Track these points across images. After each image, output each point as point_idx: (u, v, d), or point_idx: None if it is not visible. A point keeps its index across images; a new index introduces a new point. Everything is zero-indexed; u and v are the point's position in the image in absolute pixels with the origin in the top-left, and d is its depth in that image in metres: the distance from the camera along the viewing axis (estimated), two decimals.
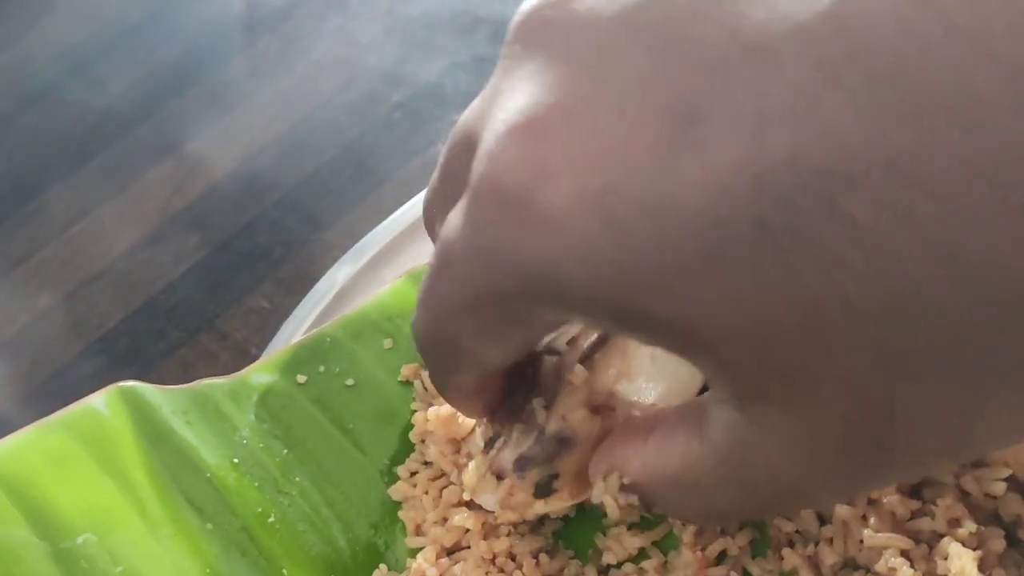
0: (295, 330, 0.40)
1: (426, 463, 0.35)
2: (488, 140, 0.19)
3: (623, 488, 0.24)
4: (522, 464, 0.26)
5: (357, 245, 0.43)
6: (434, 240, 0.25)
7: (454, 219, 0.20)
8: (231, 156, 0.59)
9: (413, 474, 0.35)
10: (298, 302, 0.42)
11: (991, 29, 0.14)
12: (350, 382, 0.37)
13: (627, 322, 0.18)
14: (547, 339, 0.27)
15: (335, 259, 0.43)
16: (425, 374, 0.37)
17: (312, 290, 0.42)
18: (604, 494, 0.25)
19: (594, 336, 0.27)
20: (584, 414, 0.25)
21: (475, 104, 0.22)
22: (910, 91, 0.14)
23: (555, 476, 0.26)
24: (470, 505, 0.33)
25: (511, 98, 0.18)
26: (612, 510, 0.25)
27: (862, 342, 0.16)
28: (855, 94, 0.14)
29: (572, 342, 0.27)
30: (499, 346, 0.22)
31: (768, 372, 0.17)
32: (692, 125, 0.15)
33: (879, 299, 0.15)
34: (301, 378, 0.37)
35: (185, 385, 0.36)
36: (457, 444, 0.34)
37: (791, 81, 0.15)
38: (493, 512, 0.29)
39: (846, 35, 0.14)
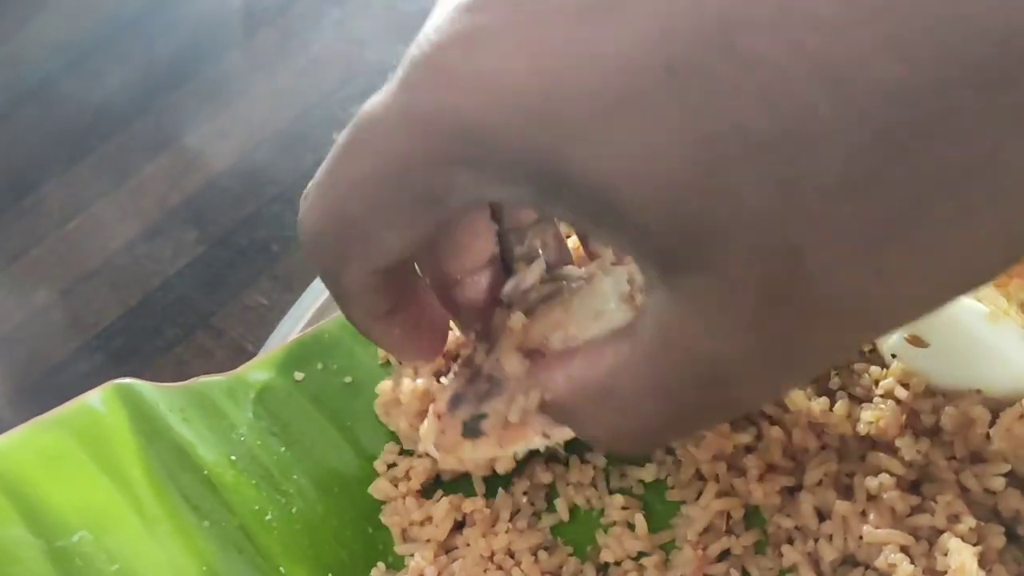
0: (293, 327, 0.40)
1: (401, 452, 0.35)
2: (426, 26, 0.19)
3: (541, 407, 0.24)
4: (454, 402, 0.27)
5: None
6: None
7: (378, 97, 0.20)
8: (229, 151, 0.58)
9: (391, 466, 0.35)
10: (296, 299, 0.41)
11: None
12: (348, 379, 0.36)
13: (545, 185, 0.18)
14: (506, 288, 0.27)
15: None
16: None
17: (309, 287, 0.41)
18: (521, 410, 0.24)
19: (545, 290, 0.27)
20: (517, 358, 0.26)
21: None
22: None
23: (483, 416, 0.27)
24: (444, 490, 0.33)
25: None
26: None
27: (763, 177, 0.16)
28: None
29: (523, 295, 0.27)
30: (401, 230, 0.21)
31: (680, 230, 0.17)
32: None
33: (776, 128, 0.16)
34: (299, 375, 0.37)
35: (182, 382, 0.36)
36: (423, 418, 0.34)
37: None
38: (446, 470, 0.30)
39: None
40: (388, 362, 0.37)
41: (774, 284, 0.17)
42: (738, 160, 0.16)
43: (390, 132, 0.19)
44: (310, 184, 0.22)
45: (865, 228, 0.16)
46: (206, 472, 0.34)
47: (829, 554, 0.29)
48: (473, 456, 0.27)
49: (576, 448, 0.34)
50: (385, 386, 0.36)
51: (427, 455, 0.35)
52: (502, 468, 0.33)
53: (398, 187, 0.20)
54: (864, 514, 0.29)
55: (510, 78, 0.18)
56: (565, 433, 0.25)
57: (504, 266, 0.27)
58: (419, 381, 0.35)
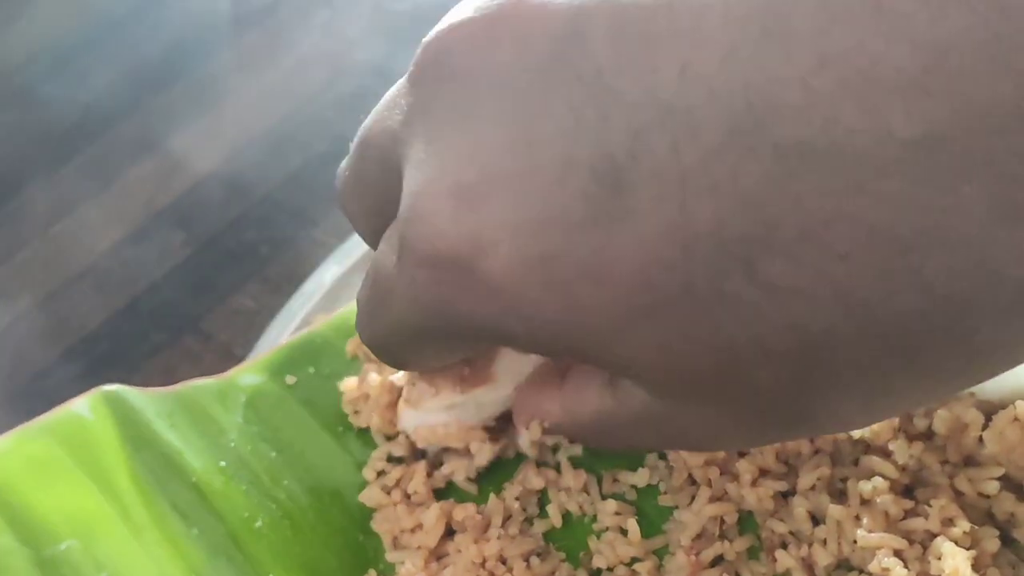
0: (282, 330, 0.40)
1: (390, 459, 0.35)
2: (419, 191, 0.20)
3: (545, 432, 0.28)
4: None
5: (345, 244, 0.42)
6: (354, 224, 0.28)
7: (388, 256, 0.22)
8: (217, 152, 0.58)
9: (380, 474, 0.35)
10: (285, 302, 0.41)
11: (887, 102, 0.15)
12: (343, 385, 0.36)
13: (567, 357, 0.21)
14: None
15: (323, 257, 0.42)
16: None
17: (299, 290, 0.41)
18: (529, 441, 0.29)
19: None
20: None
21: (386, 111, 0.23)
22: (815, 161, 0.15)
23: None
24: (438, 497, 0.33)
25: (436, 151, 0.19)
26: (530, 451, 0.30)
27: (779, 375, 0.18)
28: (767, 166, 0.15)
29: None
30: (443, 358, 0.26)
31: (689, 393, 0.20)
32: (619, 194, 0.17)
33: (794, 345, 0.17)
34: (290, 379, 0.37)
35: (170, 387, 0.36)
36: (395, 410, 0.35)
37: (709, 147, 0.16)
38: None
39: (754, 102, 0.15)
40: (357, 356, 0.37)
41: (775, 418, 0.21)
42: (754, 363, 0.18)
43: (400, 308, 0.21)
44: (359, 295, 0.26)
45: (862, 389, 0.19)
46: (195, 479, 0.33)
47: (823, 559, 0.29)
48: (434, 405, 0.28)
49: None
50: (350, 383, 0.36)
51: (411, 461, 0.35)
52: (483, 458, 0.33)
53: (428, 338, 0.23)
54: (858, 518, 0.29)
55: (521, 290, 0.18)
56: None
57: None
58: (385, 375, 0.35)
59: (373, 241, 0.27)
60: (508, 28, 0.19)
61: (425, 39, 0.22)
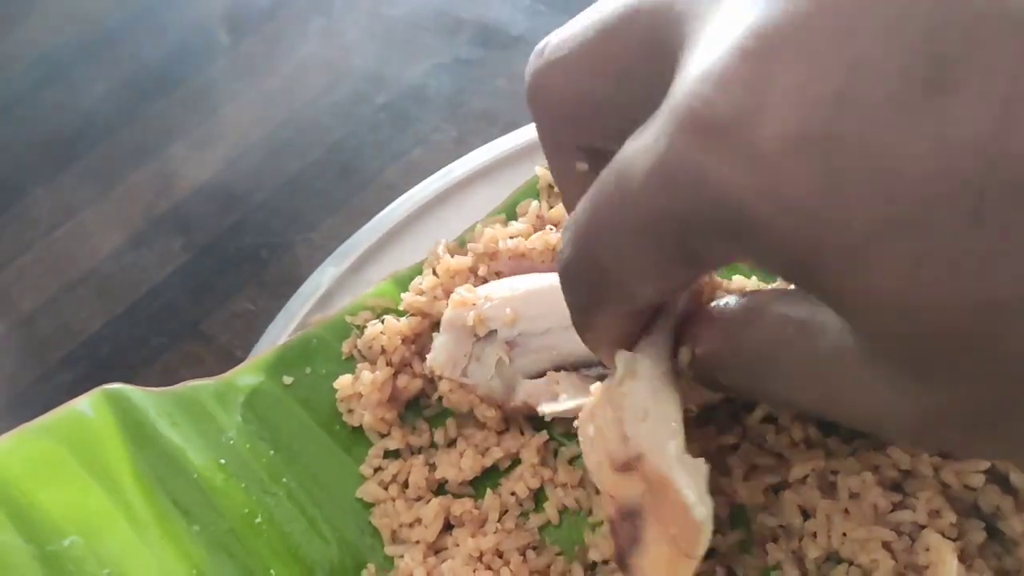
0: (280, 332, 0.40)
1: (386, 455, 0.35)
2: (705, 57, 0.17)
3: (696, 358, 0.25)
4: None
5: (342, 247, 0.43)
6: (538, 114, 0.24)
7: (643, 139, 0.18)
8: (215, 158, 0.58)
9: (377, 470, 0.35)
10: (283, 304, 0.41)
11: None
12: (337, 384, 0.37)
13: (799, 275, 0.18)
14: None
15: (320, 261, 0.43)
16: (362, 342, 0.37)
17: (297, 292, 0.42)
18: (682, 363, 0.25)
19: None
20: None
21: None
22: None
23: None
24: (437, 492, 0.34)
25: (733, 8, 0.17)
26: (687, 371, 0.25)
27: None
28: None
29: None
30: (655, 283, 0.21)
31: (917, 349, 0.17)
32: (937, 92, 0.15)
33: None
34: (288, 379, 0.37)
35: (171, 387, 0.36)
36: (390, 406, 0.35)
37: None
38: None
39: None
40: (352, 356, 0.38)
41: (989, 415, 0.17)
42: (1016, 330, 0.15)
43: (653, 190, 0.18)
44: (569, 222, 0.21)
45: None
46: (196, 476, 0.34)
47: (813, 551, 0.29)
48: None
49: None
50: (344, 380, 0.36)
51: (407, 456, 0.35)
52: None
53: (656, 246, 0.19)
54: (847, 512, 0.29)
55: (793, 169, 0.16)
56: None
57: None
58: (377, 373, 0.35)
59: (563, 135, 0.24)
60: None
61: None
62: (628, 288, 0.21)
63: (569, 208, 0.25)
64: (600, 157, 0.22)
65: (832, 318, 0.19)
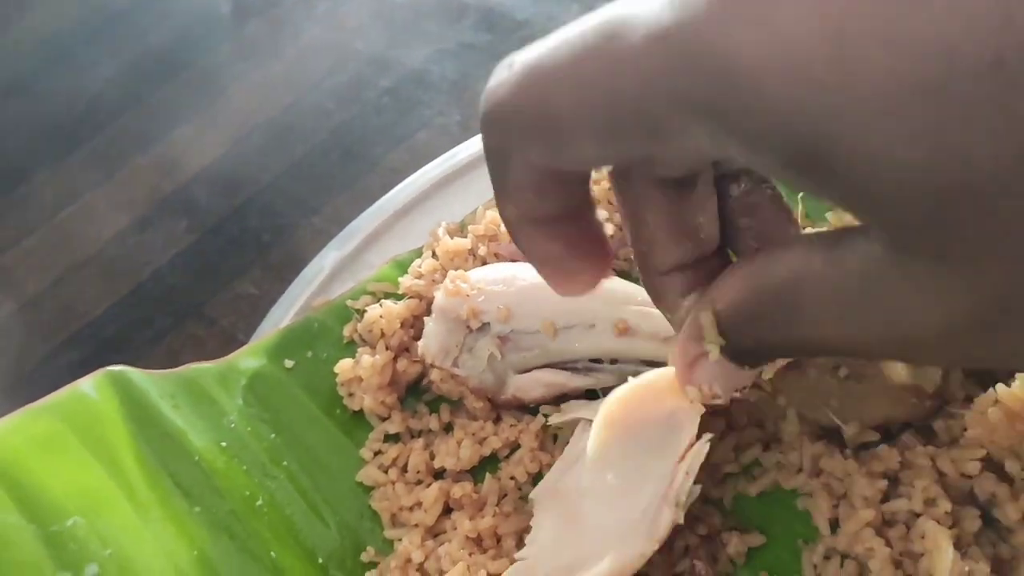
0: (283, 315, 0.40)
1: (387, 438, 0.36)
2: None
3: (717, 315, 0.22)
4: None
5: (344, 230, 0.43)
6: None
7: (647, 3, 0.17)
8: (220, 141, 0.59)
9: (377, 454, 0.35)
10: (286, 287, 0.42)
11: None
12: (337, 368, 0.37)
13: (799, 163, 0.16)
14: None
15: (323, 244, 0.43)
16: (362, 327, 0.37)
17: (299, 276, 0.42)
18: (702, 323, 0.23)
19: None
20: None
21: None
22: None
23: None
24: (436, 476, 0.34)
25: None
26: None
27: None
28: None
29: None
30: (603, 146, 0.19)
31: (942, 229, 0.16)
32: None
33: None
34: (289, 363, 0.37)
35: (173, 369, 0.36)
36: (390, 390, 0.35)
37: None
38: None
39: None
40: (353, 340, 0.38)
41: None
42: None
43: (647, 50, 0.17)
44: (523, 55, 0.19)
45: None
46: (197, 458, 0.34)
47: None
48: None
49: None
50: (345, 364, 0.36)
51: (407, 439, 0.35)
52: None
53: (629, 109, 0.18)
54: (846, 496, 0.30)
55: (803, 36, 0.15)
56: None
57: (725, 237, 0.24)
58: (377, 357, 0.35)
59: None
60: None
61: None
62: (569, 141, 0.19)
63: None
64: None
65: (855, 239, 0.19)
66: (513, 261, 0.37)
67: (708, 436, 0.27)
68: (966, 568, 0.27)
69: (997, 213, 0.15)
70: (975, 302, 0.17)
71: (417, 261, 0.38)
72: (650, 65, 0.17)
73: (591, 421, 0.30)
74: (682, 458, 0.27)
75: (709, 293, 0.23)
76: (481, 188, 0.42)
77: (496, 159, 0.21)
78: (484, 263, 0.38)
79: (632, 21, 0.17)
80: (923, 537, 0.28)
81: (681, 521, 0.27)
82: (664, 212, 0.23)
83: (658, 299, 0.24)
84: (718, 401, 0.25)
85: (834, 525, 0.30)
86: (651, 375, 0.27)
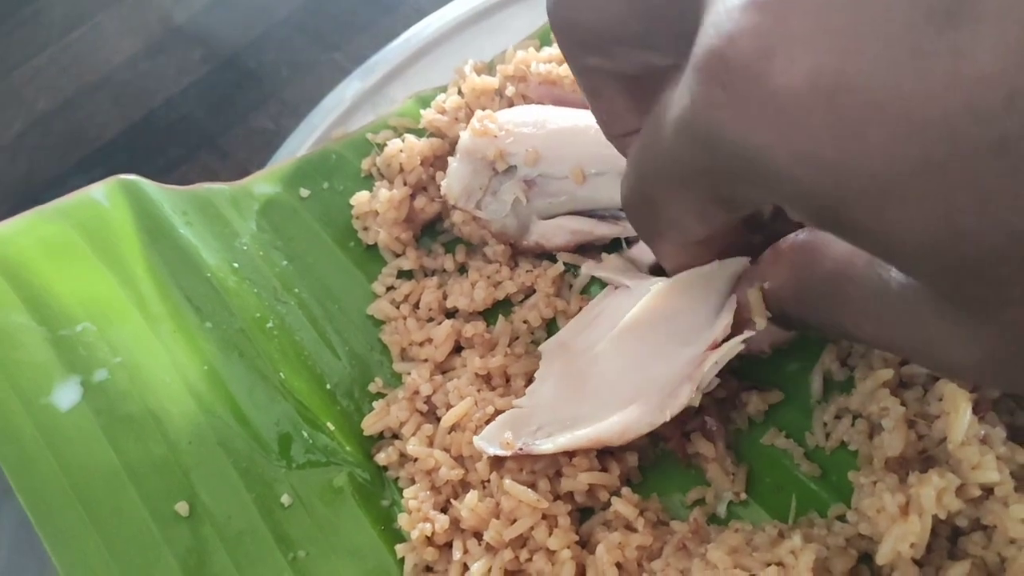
0: (300, 145, 0.39)
1: (400, 275, 0.35)
2: (718, 10, 0.17)
3: (765, 294, 0.26)
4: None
5: (368, 61, 0.41)
6: (564, 42, 0.24)
7: (674, 93, 0.19)
8: None
9: (389, 289, 0.35)
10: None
11: None
12: (353, 200, 0.36)
13: (827, 222, 0.18)
14: None
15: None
16: (381, 160, 0.36)
17: (319, 105, 0.40)
18: (749, 299, 0.27)
19: None
20: None
21: None
22: None
23: None
24: (448, 314, 0.34)
25: None
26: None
27: None
28: None
29: None
30: (700, 221, 0.23)
31: (961, 282, 0.17)
32: (950, 27, 0.14)
33: None
34: (304, 192, 0.37)
35: (186, 186, 0.35)
36: (406, 227, 0.35)
37: None
38: None
39: None
40: (371, 175, 0.37)
41: None
42: None
43: (679, 144, 0.19)
44: (629, 156, 0.24)
45: None
46: (208, 274, 0.33)
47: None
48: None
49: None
50: (361, 197, 0.35)
51: (420, 277, 0.35)
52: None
53: (692, 191, 0.21)
54: (864, 356, 0.29)
55: (805, 118, 0.16)
56: None
57: None
58: (394, 191, 0.34)
59: (589, 61, 0.24)
60: None
61: None
62: (678, 224, 0.23)
63: (600, 121, 0.26)
64: (628, 79, 0.24)
65: None
66: (541, 104, 0.36)
67: (747, 333, 0.27)
68: (981, 431, 0.27)
69: (1014, 284, 0.16)
70: (1000, 346, 0.18)
71: (441, 96, 0.37)
72: (680, 152, 0.20)
73: (617, 287, 0.31)
74: (715, 346, 0.27)
75: (757, 272, 0.26)
76: (512, 27, 0.40)
77: (647, 241, 0.27)
78: (511, 105, 0.36)
79: (662, 112, 0.20)
80: (940, 399, 0.28)
81: (696, 404, 0.28)
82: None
83: (659, 256, 0.28)
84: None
85: (847, 386, 0.29)
86: (705, 269, 0.27)
